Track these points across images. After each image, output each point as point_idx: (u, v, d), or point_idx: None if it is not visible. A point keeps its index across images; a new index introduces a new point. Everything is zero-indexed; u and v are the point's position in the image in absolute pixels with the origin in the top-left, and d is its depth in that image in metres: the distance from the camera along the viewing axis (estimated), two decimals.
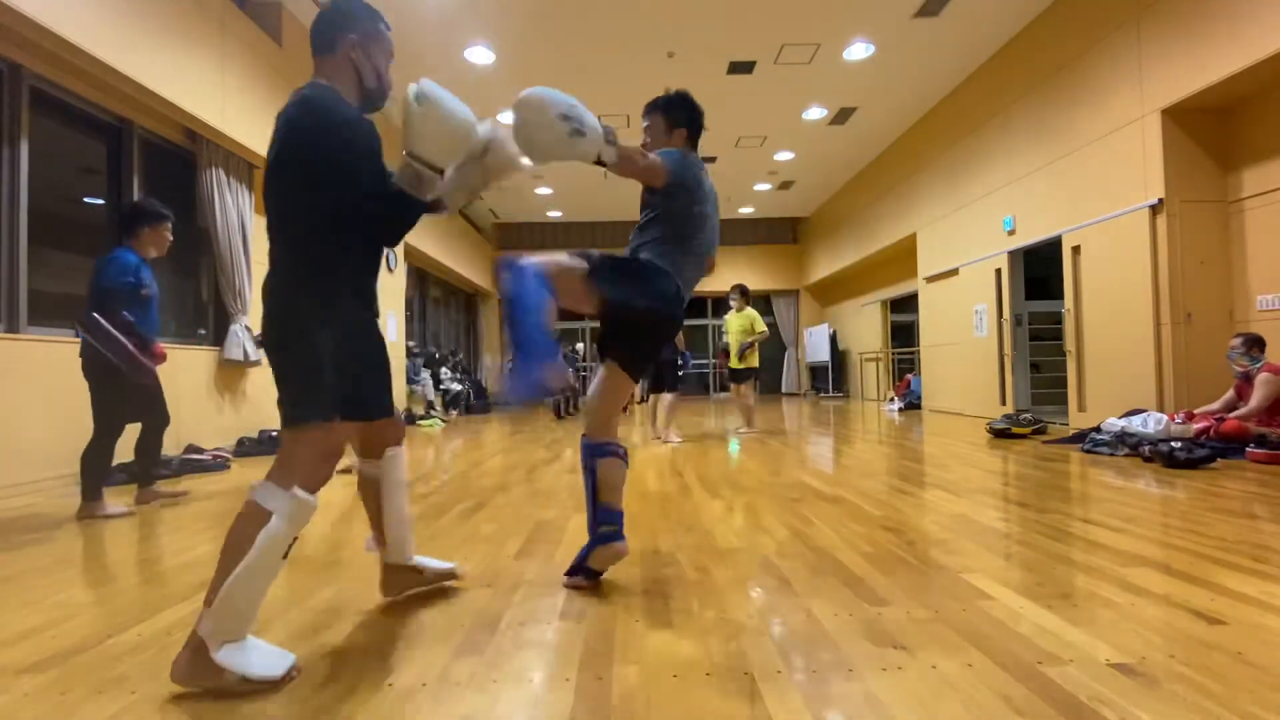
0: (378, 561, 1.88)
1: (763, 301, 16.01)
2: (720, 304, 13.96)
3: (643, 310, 1.94)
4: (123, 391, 3.23)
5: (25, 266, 4.06)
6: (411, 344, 10.17)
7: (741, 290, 6.67)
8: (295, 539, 1.43)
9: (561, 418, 9.39)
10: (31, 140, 4.15)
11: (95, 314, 3.08)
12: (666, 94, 2.23)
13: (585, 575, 1.96)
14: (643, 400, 7.68)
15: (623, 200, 13.27)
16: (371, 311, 1.72)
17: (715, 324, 15.23)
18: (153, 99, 4.68)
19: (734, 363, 6.58)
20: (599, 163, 1.82)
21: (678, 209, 2.03)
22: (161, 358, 3.38)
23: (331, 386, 1.51)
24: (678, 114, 2.21)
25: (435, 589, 1.93)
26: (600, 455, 1.95)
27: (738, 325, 6.54)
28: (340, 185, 1.48)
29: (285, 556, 1.41)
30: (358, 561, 2.25)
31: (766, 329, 6.73)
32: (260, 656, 1.35)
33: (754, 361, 6.63)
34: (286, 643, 1.55)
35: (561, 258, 1.89)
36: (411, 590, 1.89)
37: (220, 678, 1.30)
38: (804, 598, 1.80)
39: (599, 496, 1.95)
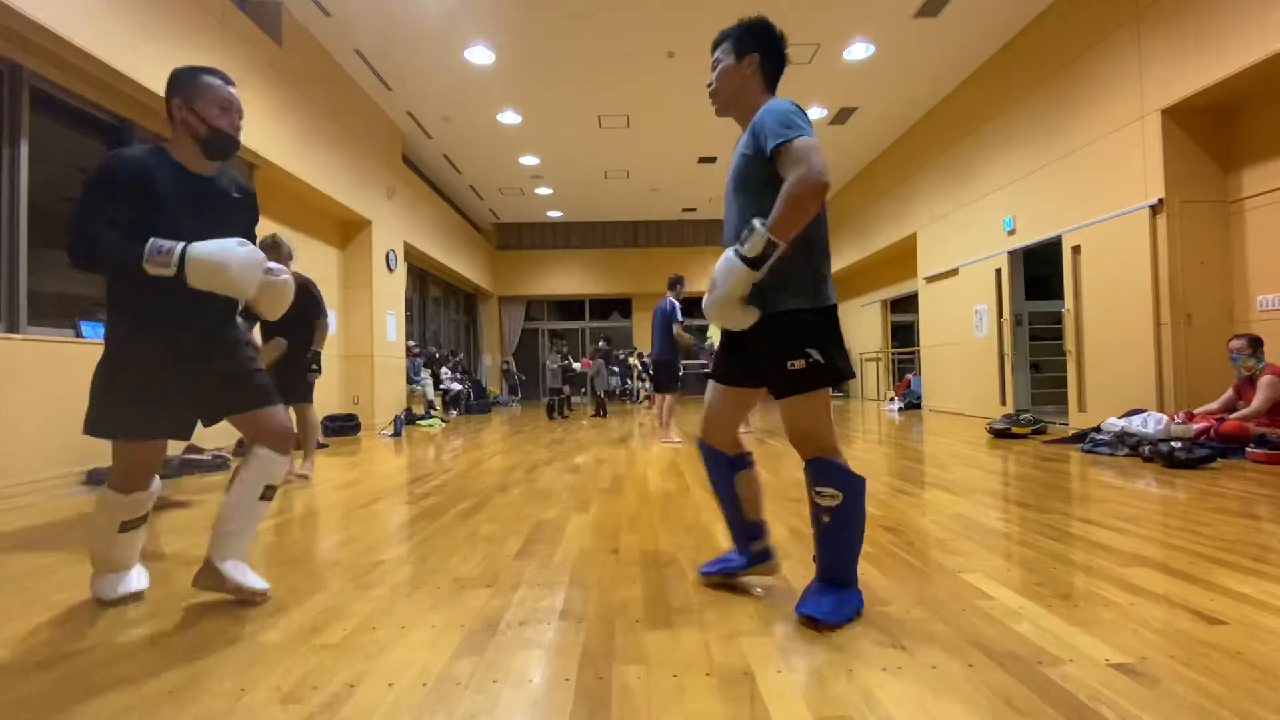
0: (377, 563, 1.87)
1: None
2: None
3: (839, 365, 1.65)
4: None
5: (25, 266, 4.06)
6: (411, 344, 10.17)
7: None
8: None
9: (553, 418, 9.39)
10: (31, 140, 4.15)
11: None
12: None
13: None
14: (648, 400, 7.68)
15: (623, 200, 13.28)
16: (189, 328, 1.83)
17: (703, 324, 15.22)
18: (153, 99, 4.68)
19: None
20: (768, 249, 1.51)
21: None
22: None
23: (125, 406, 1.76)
24: (750, 40, 1.75)
25: (432, 590, 1.93)
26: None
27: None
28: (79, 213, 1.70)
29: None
30: (356, 564, 2.25)
31: None
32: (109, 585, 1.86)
33: None
34: (285, 643, 1.55)
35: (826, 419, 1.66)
36: (212, 591, 1.87)
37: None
38: None
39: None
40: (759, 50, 1.74)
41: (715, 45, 1.81)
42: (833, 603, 1.62)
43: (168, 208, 1.74)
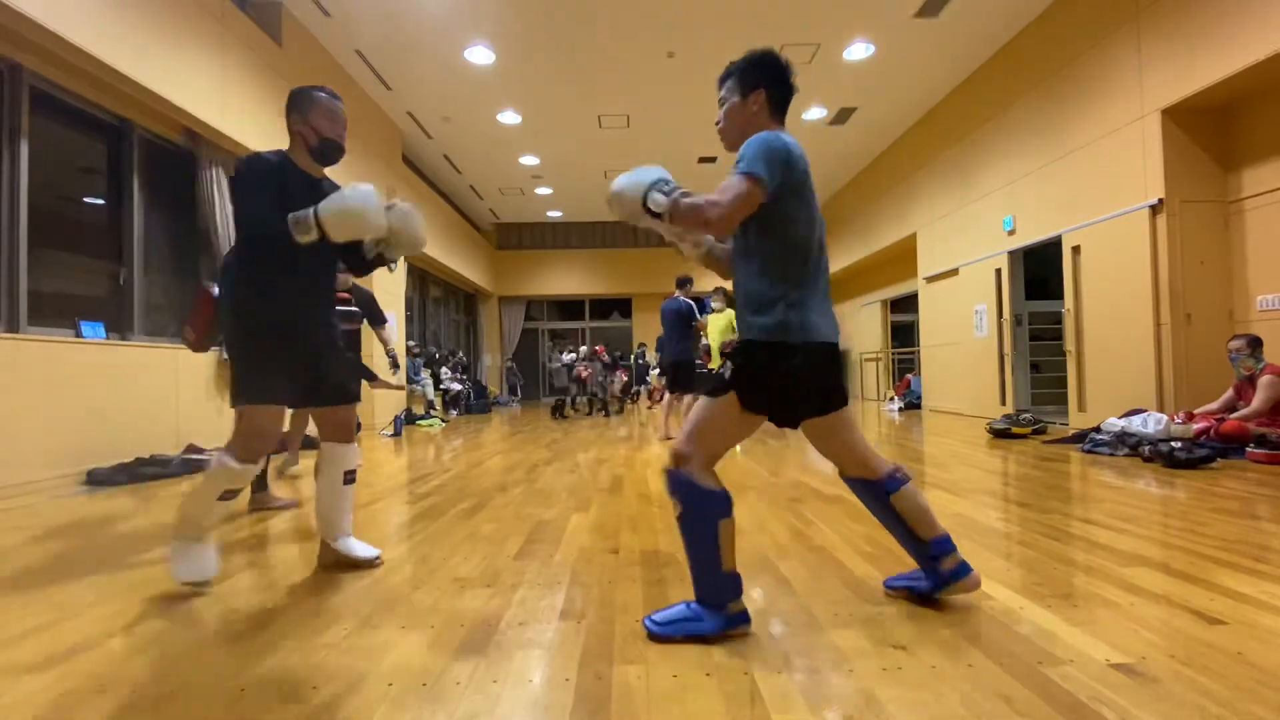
0: (379, 564, 1.93)
1: None
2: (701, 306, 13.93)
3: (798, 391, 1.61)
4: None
5: (25, 266, 4.06)
6: (412, 343, 10.18)
7: (722, 292, 6.75)
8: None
9: (557, 418, 9.39)
10: (31, 140, 4.15)
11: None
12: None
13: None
14: (661, 399, 7.72)
15: None
16: (308, 316, 2.14)
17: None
18: (153, 99, 4.69)
19: (715, 363, 6.63)
20: (653, 214, 1.58)
21: (785, 224, 1.60)
22: None
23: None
24: (754, 74, 1.72)
25: (432, 590, 1.93)
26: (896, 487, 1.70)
27: (719, 325, 6.58)
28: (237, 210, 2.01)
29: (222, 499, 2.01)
30: (356, 567, 2.25)
31: None
32: (188, 560, 1.96)
33: None
34: (285, 643, 1.55)
35: (709, 409, 1.62)
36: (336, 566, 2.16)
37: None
38: (804, 598, 1.81)
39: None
40: (765, 85, 1.72)
41: (721, 82, 1.78)
42: (673, 614, 1.59)
43: (294, 201, 1.96)
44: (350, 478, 2.21)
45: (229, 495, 2.03)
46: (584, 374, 10.21)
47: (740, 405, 1.58)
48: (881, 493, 1.69)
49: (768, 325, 1.59)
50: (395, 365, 4.90)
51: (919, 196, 9.44)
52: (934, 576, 1.69)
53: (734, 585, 1.58)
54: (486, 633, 1.60)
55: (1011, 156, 7.19)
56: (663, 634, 1.55)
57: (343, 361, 2.24)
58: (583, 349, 10.53)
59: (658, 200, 1.57)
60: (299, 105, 2.14)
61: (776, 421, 1.65)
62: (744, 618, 1.57)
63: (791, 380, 1.58)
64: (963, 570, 1.66)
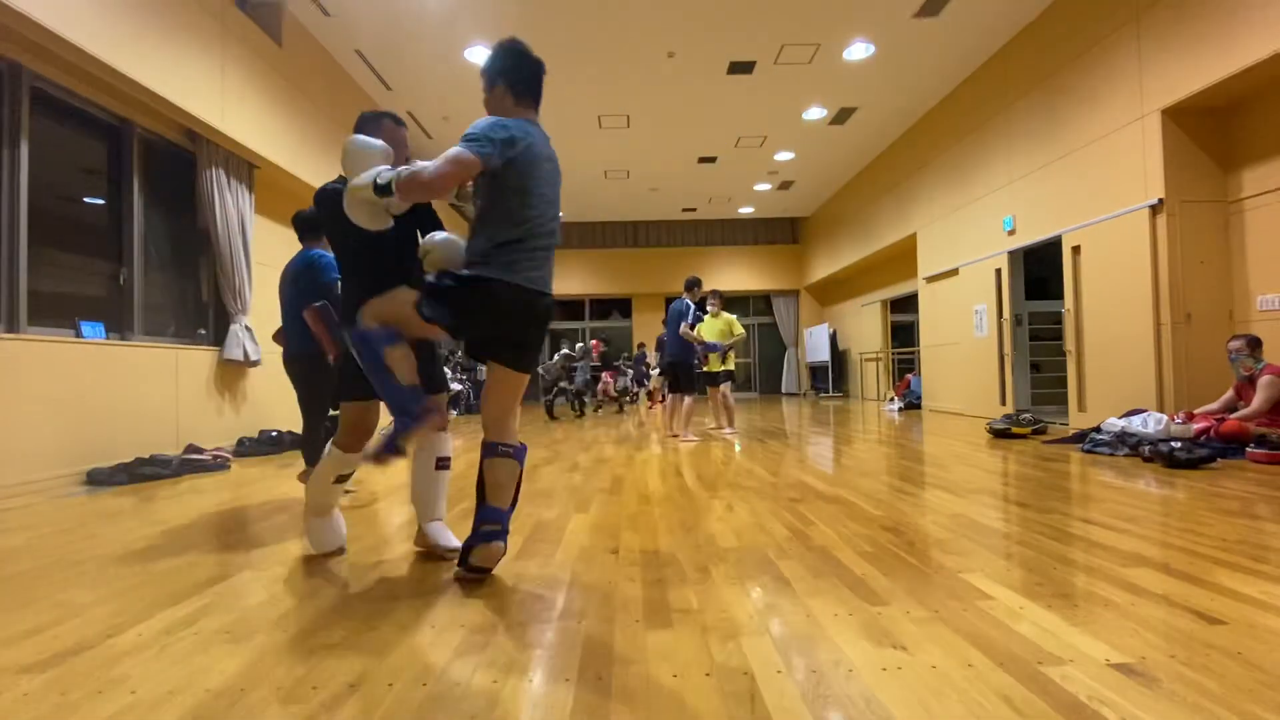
0: (377, 563, 1.92)
1: (763, 301, 16.02)
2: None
3: (486, 326, 2.01)
4: (329, 377, 3.30)
5: (25, 266, 4.06)
6: None
7: (718, 294, 6.80)
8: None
9: (552, 418, 9.39)
10: (31, 140, 4.15)
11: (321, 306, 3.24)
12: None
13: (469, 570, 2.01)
14: (662, 400, 7.75)
15: (623, 200, 13.28)
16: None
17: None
18: (153, 99, 4.69)
19: (713, 365, 6.66)
20: (382, 191, 1.86)
21: (503, 192, 1.96)
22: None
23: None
24: (491, 68, 2.12)
25: (433, 590, 1.93)
26: (488, 455, 2.03)
27: (715, 329, 6.60)
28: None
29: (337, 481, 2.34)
30: (357, 566, 2.25)
31: (744, 330, 6.82)
32: (318, 534, 2.34)
33: (731, 364, 6.78)
34: (285, 644, 1.55)
35: (394, 299, 2.01)
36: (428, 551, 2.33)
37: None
38: (804, 598, 1.80)
39: (486, 497, 1.99)
40: (501, 78, 2.12)
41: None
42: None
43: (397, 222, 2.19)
44: (443, 464, 2.39)
45: (342, 479, 2.35)
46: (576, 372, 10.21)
47: (420, 313, 1.92)
48: (484, 452, 2.05)
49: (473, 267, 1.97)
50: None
51: (919, 196, 9.45)
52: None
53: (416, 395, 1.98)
54: (486, 633, 1.60)
55: (1011, 156, 7.19)
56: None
57: (434, 354, 2.47)
58: (579, 346, 10.55)
59: (385, 175, 1.86)
60: (363, 129, 2.27)
61: (454, 335, 2.02)
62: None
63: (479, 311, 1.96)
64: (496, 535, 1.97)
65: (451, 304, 1.92)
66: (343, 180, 2.10)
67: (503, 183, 1.95)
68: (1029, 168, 6.87)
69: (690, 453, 5.11)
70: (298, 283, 3.35)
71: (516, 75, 2.11)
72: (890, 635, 1.53)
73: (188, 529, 2.84)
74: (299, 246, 3.50)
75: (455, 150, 1.84)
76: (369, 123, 2.27)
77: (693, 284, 6.42)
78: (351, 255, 2.21)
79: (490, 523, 1.95)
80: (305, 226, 3.51)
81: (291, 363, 3.47)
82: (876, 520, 2.70)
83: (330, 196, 2.16)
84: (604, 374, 11.31)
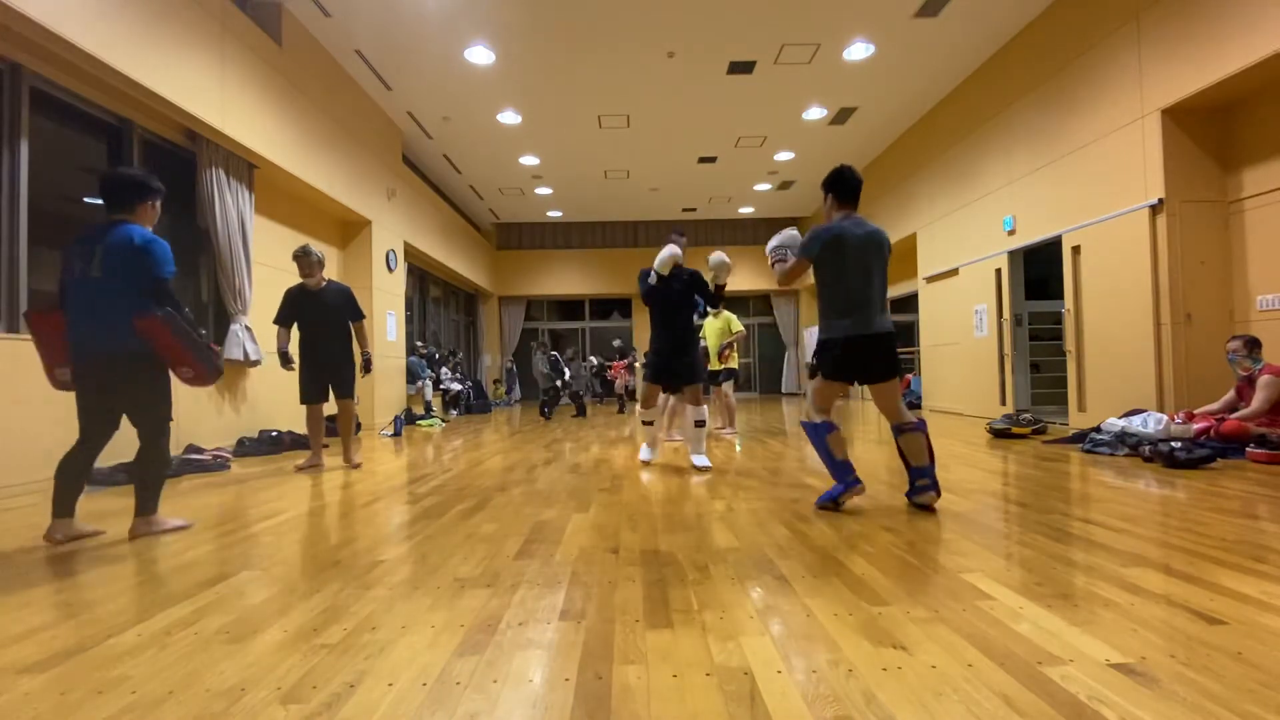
0: (377, 563, 1.86)
1: (763, 301, 16.03)
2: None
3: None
4: (169, 388, 2.80)
5: (25, 266, 4.06)
6: (420, 343, 10.24)
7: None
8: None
9: (547, 418, 9.38)
10: (31, 140, 4.14)
11: (171, 309, 2.63)
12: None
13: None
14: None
15: (623, 200, 13.28)
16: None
17: None
18: (153, 99, 4.68)
19: (714, 364, 6.65)
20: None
21: (821, 279, 3.05)
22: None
23: None
24: (826, 184, 3.16)
25: (432, 589, 1.93)
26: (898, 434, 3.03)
27: (715, 328, 6.59)
28: None
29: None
30: (356, 564, 2.25)
31: (743, 328, 6.81)
32: None
33: (733, 362, 6.76)
34: (285, 644, 1.55)
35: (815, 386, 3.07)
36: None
37: None
38: (804, 598, 1.80)
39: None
40: (829, 190, 3.22)
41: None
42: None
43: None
44: (700, 424, 4.22)
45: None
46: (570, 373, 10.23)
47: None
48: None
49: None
50: (368, 368, 4.76)
51: (919, 196, 9.44)
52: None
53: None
54: (486, 633, 1.60)
55: (1011, 156, 7.19)
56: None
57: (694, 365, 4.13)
58: (568, 350, 10.55)
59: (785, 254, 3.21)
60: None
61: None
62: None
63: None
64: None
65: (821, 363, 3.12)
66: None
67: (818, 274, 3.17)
68: (1029, 168, 6.87)
69: (689, 453, 5.11)
70: (126, 267, 2.59)
71: (841, 188, 3.17)
72: (890, 635, 1.53)
73: (188, 529, 2.84)
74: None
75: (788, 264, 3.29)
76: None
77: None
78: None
79: (923, 478, 2.88)
80: (127, 190, 2.74)
81: (103, 362, 2.64)
82: (877, 520, 2.70)
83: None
84: (613, 365, 11.28)
